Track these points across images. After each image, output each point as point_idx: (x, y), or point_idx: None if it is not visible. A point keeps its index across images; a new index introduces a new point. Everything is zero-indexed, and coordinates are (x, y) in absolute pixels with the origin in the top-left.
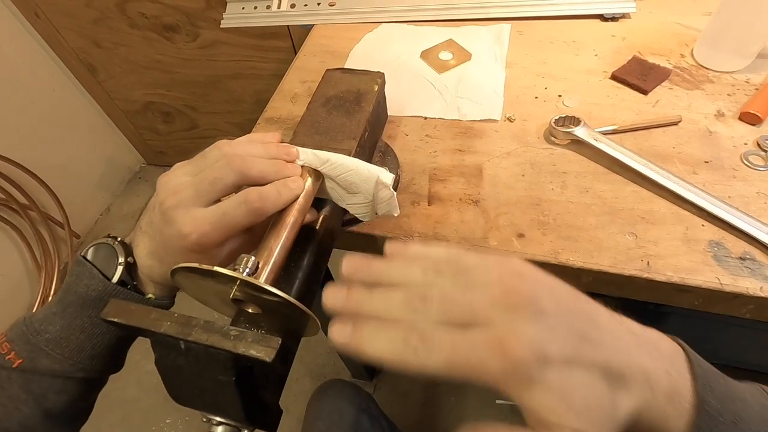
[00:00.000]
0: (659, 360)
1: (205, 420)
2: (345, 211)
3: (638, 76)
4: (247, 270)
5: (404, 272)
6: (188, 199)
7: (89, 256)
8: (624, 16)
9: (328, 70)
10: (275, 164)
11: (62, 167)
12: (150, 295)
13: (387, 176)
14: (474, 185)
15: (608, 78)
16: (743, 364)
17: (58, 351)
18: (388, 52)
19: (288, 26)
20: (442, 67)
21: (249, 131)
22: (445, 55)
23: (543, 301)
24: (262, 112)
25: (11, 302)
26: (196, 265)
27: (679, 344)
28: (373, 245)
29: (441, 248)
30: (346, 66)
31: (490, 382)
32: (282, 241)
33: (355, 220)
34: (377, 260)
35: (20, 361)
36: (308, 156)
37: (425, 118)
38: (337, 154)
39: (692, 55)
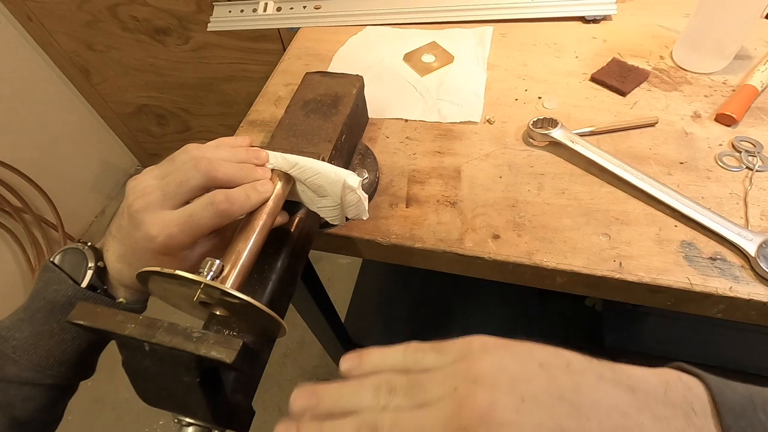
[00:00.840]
0: (669, 420)
1: (175, 421)
2: None
3: (617, 77)
4: (211, 273)
5: (355, 398)
6: (155, 202)
7: (58, 262)
8: (605, 18)
9: (307, 73)
10: (243, 168)
11: (56, 170)
12: (121, 299)
13: (354, 180)
14: (452, 187)
15: (588, 80)
16: (726, 364)
17: (26, 357)
18: (372, 55)
19: (278, 29)
20: (424, 70)
21: (242, 133)
22: (428, 58)
23: (501, 412)
24: (246, 115)
25: (4, 305)
26: (158, 269)
27: (701, 378)
28: (351, 247)
29: (398, 351)
30: (330, 69)
31: None
32: (250, 244)
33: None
34: (328, 387)
35: None
36: (278, 159)
37: (406, 120)
38: (304, 158)
39: (671, 57)
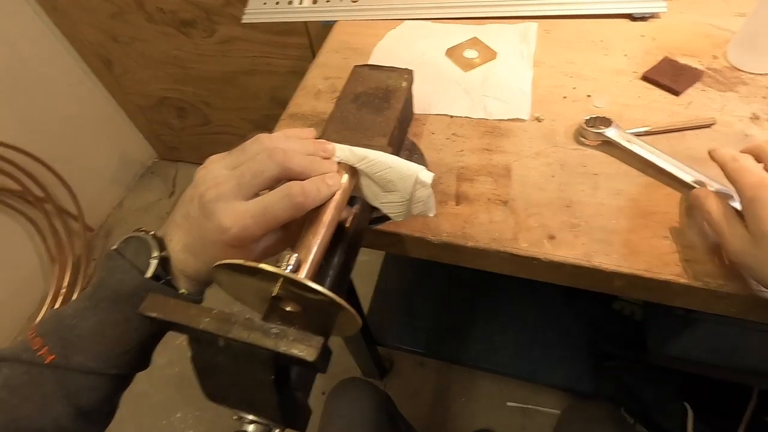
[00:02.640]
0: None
1: (236, 418)
2: (373, 210)
3: (670, 77)
4: (290, 267)
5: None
6: (229, 192)
7: (120, 249)
8: (653, 16)
9: (356, 66)
10: (313, 161)
11: (77, 161)
12: (183, 291)
13: (427, 175)
14: (503, 185)
15: (638, 78)
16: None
17: (91, 347)
18: (412, 50)
19: (305, 23)
20: (467, 66)
21: (263, 128)
22: (470, 53)
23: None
24: (285, 108)
25: (26, 293)
26: (241, 262)
27: None
28: (398, 244)
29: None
30: (370, 63)
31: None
32: (320, 238)
33: (382, 219)
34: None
35: (53, 357)
36: (345, 153)
37: (451, 116)
38: (375, 151)
39: (725, 57)
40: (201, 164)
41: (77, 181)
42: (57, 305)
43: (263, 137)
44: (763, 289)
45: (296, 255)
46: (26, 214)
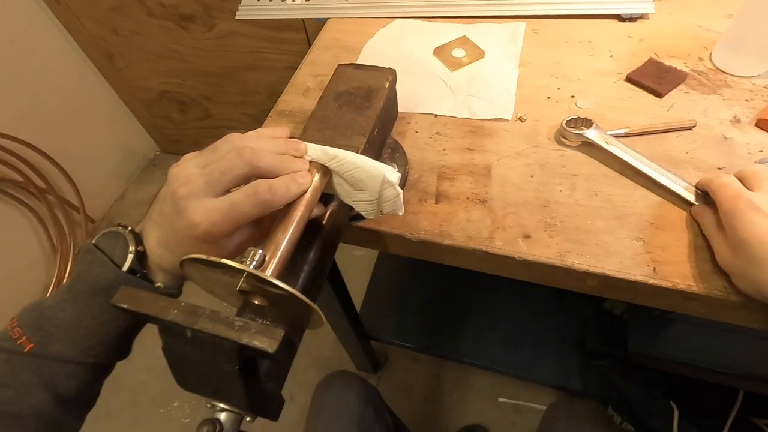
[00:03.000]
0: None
1: (209, 406)
2: (352, 207)
3: (654, 78)
4: (254, 263)
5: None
6: (199, 190)
7: (98, 243)
8: (642, 16)
9: (340, 65)
10: (284, 159)
11: (79, 153)
12: (159, 284)
13: (393, 175)
14: (482, 184)
15: (623, 80)
16: (750, 373)
17: (69, 337)
18: (401, 48)
19: (303, 19)
20: (454, 65)
21: (262, 123)
22: (458, 53)
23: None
24: (275, 105)
25: (27, 283)
26: (204, 256)
27: None
28: (378, 241)
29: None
30: (358, 61)
31: None
32: (289, 235)
33: (362, 216)
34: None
35: (31, 345)
36: (316, 152)
37: (436, 115)
38: (345, 151)
39: (710, 59)
40: None
41: (79, 172)
42: None
43: (234, 136)
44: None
45: (261, 251)
46: (29, 205)
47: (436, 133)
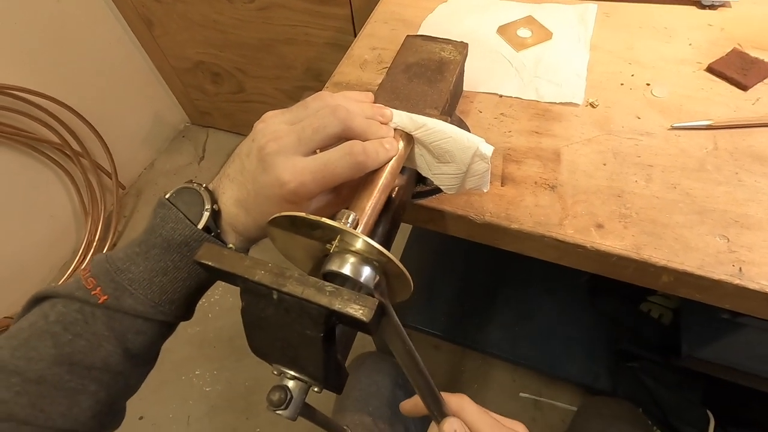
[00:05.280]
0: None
1: (276, 373)
2: (417, 183)
3: (738, 70)
4: (349, 224)
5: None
6: (289, 146)
7: (171, 199)
8: (724, 4)
9: (408, 36)
10: (372, 123)
11: (113, 119)
12: (231, 245)
13: (487, 147)
14: (551, 170)
15: (703, 70)
16: None
17: (141, 292)
18: (463, 25)
19: None
20: (520, 45)
21: (296, 99)
22: (523, 32)
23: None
24: (330, 77)
25: (59, 243)
26: (302, 214)
27: None
28: (439, 221)
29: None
30: None
31: None
32: (375, 202)
33: (425, 194)
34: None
35: (105, 297)
36: (402, 119)
37: (500, 96)
38: (434, 120)
39: None
40: (232, 132)
41: (112, 139)
42: (88, 258)
43: (325, 94)
44: None
45: (353, 214)
46: (64, 167)
47: (501, 114)
